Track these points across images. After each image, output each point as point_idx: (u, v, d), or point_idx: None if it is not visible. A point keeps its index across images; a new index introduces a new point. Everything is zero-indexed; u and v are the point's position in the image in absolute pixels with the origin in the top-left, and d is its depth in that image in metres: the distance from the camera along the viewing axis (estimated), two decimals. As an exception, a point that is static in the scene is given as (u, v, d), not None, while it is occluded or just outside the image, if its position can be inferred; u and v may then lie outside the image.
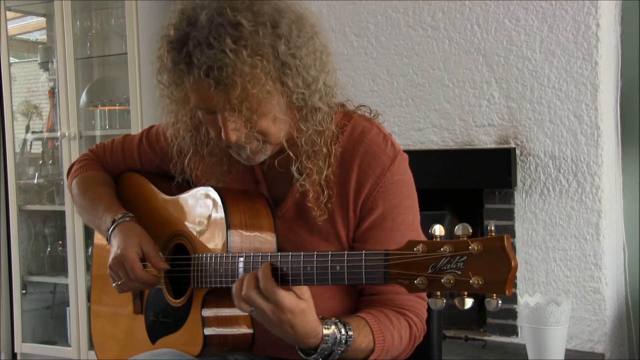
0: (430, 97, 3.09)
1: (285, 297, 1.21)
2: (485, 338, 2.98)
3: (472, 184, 3.01)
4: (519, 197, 2.94)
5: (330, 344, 1.26)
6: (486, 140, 2.99)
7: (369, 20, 3.19)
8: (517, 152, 2.93)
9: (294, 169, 1.41)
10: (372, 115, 1.49)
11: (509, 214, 2.95)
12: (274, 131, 1.35)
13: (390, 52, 3.16)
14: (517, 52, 2.92)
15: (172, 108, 1.41)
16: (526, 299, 2.54)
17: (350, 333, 1.28)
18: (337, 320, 1.29)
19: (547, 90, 2.88)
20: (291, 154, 1.40)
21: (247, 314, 1.30)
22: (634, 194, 2.99)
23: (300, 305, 1.22)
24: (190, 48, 1.27)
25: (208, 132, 1.45)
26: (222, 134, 1.33)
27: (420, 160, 2.97)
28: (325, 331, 1.26)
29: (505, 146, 2.94)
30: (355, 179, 1.41)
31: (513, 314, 2.96)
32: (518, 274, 2.95)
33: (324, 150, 1.39)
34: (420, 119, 3.11)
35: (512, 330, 2.97)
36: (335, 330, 1.27)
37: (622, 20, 2.96)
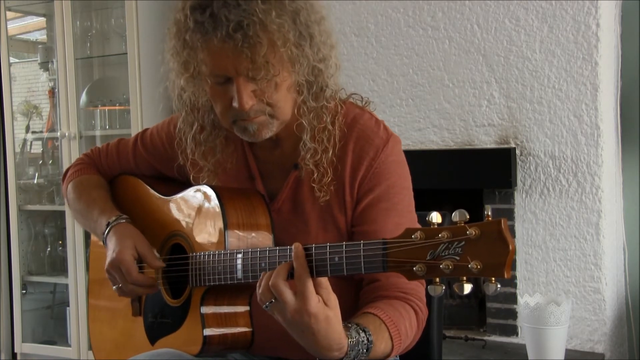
0: (430, 97, 3.09)
1: (312, 298, 1.18)
2: (485, 338, 2.98)
3: (472, 184, 3.00)
4: (519, 197, 2.94)
5: (352, 357, 1.24)
6: (486, 140, 2.99)
7: (369, 20, 3.19)
8: (517, 152, 2.93)
9: (305, 138, 1.40)
10: (364, 102, 1.51)
11: (509, 214, 2.94)
12: (284, 104, 1.36)
13: (390, 52, 3.16)
14: (517, 52, 2.92)
15: (181, 75, 1.38)
16: (526, 299, 2.54)
17: (370, 339, 1.26)
18: (357, 326, 1.26)
19: (547, 90, 2.88)
20: (287, 144, 1.42)
21: (248, 309, 1.29)
22: (634, 194, 2.99)
23: (326, 312, 1.18)
24: (215, 9, 1.28)
25: (205, 117, 1.46)
26: (235, 102, 1.33)
27: (420, 160, 2.97)
28: (350, 343, 1.22)
29: (505, 146, 2.94)
30: (350, 163, 1.42)
31: (513, 314, 2.96)
32: (518, 274, 2.95)
33: (329, 127, 1.41)
34: (420, 119, 3.11)
35: (512, 330, 2.97)
36: (359, 338, 1.24)
37: (622, 20, 2.96)
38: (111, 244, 1.51)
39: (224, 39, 1.27)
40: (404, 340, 1.35)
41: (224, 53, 1.29)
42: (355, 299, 1.45)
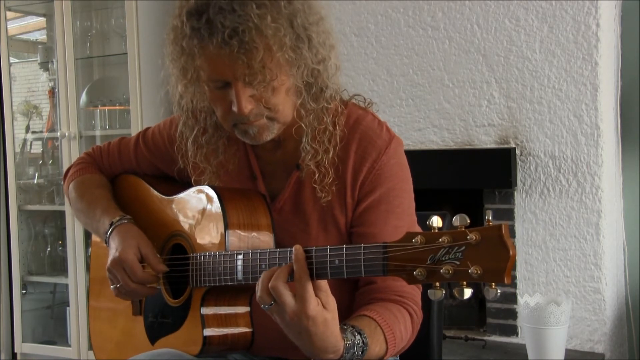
0: (430, 97, 3.09)
1: (311, 301, 1.17)
2: (485, 338, 2.98)
3: (472, 184, 3.01)
4: (519, 197, 2.94)
5: (347, 359, 1.24)
6: (486, 140, 2.99)
7: (369, 20, 3.19)
8: (517, 152, 2.93)
9: (305, 140, 1.41)
10: (367, 104, 1.51)
11: (509, 214, 2.95)
12: (284, 107, 1.36)
13: (390, 52, 3.16)
14: (517, 52, 2.92)
15: (180, 81, 1.39)
16: (526, 299, 2.54)
17: (366, 341, 1.26)
18: (352, 329, 1.27)
19: (547, 90, 2.88)
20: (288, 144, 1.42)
21: (248, 310, 1.28)
22: (634, 194, 2.99)
23: (324, 315, 1.18)
24: (211, 15, 1.28)
25: (206, 119, 1.47)
26: (234, 107, 1.33)
27: (420, 160, 2.97)
28: (346, 345, 1.22)
29: (505, 146, 2.94)
30: (352, 164, 1.42)
31: (513, 314, 2.96)
32: (518, 274, 2.95)
33: (330, 128, 1.41)
34: (420, 119, 3.11)
35: (512, 330, 2.97)
36: (354, 340, 1.24)
37: (622, 20, 2.96)
38: (114, 243, 1.51)
39: (220, 45, 1.27)
40: (398, 343, 1.36)
41: (220, 59, 1.29)
42: (354, 300, 1.45)
